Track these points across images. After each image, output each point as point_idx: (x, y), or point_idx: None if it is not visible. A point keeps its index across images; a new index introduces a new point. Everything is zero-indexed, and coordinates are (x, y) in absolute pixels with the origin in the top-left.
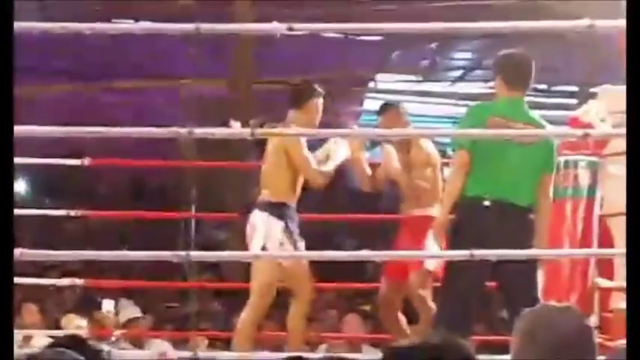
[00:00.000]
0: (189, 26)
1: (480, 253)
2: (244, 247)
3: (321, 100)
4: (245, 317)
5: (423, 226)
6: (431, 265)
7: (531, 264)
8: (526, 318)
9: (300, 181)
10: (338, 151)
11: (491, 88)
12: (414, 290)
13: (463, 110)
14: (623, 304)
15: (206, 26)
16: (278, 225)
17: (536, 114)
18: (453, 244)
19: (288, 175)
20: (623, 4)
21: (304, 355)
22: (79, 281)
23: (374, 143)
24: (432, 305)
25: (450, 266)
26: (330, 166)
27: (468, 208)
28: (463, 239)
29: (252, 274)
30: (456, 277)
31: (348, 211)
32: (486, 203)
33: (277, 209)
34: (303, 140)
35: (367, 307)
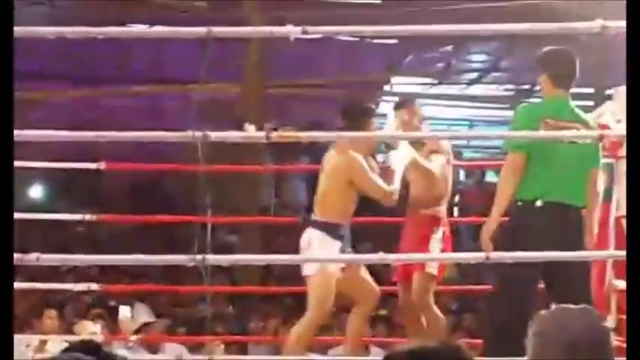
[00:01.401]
0: (201, 30)
1: (497, 255)
2: (256, 250)
3: (375, 119)
4: (300, 329)
5: (427, 227)
6: (433, 268)
7: (583, 265)
8: (541, 319)
9: (356, 200)
10: (397, 162)
11: (506, 90)
12: (415, 293)
13: (479, 113)
14: None
15: (218, 30)
16: (335, 245)
17: (580, 111)
18: (509, 249)
19: (348, 198)
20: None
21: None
22: (95, 286)
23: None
24: (437, 311)
25: (502, 274)
26: (396, 182)
27: (524, 211)
28: (521, 243)
29: (309, 288)
30: (508, 285)
31: (361, 214)
32: (539, 204)
33: (334, 230)
34: (364, 162)
35: (384, 312)
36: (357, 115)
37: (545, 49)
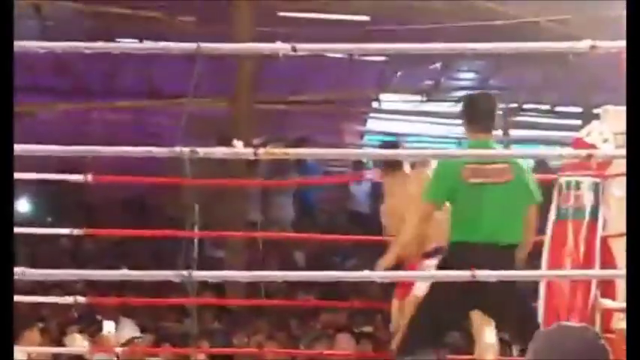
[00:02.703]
0: (190, 45)
1: (483, 274)
2: (242, 265)
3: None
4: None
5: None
6: (420, 291)
7: (526, 297)
8: (540, 337)
9: None
10: None
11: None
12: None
13: None
14: (624, 325)
15: (207, 46)
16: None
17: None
18: (441, 289)
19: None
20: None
21: None
22: (81, 299)
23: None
24: None
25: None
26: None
27: (455, 252)
28: (453, 282)
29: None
30: (429, 308)
31: (348, 232)
32: (469, 245)
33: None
34: None
35: (369, 328)
36: None
37: (464, 96)
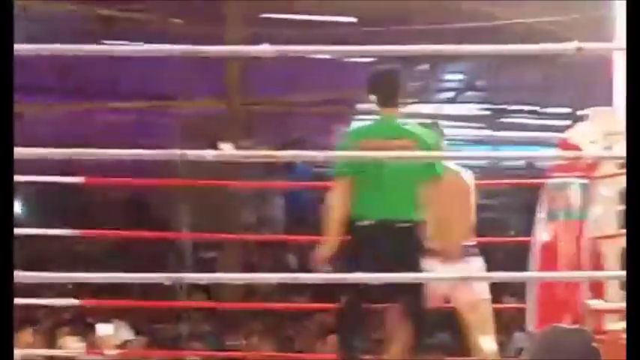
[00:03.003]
0: (178, 48)
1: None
2: (234, 268)
3: None
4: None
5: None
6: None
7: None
8: (536, 339)
9: None
10: None
11: (482, 110)
12: None
13: (455, 132)
14: (615, 326)
15: (195, 48)
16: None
17: (413, 125)
18: (348, 267)
19: None
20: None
21: None
22: (74, 301)
23: None
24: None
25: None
26: None
27: (357, 231)
28: (357, 261)
29: (485, 311)
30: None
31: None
32: (368, 224)
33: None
34: None
35: None
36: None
37: (373, 70)
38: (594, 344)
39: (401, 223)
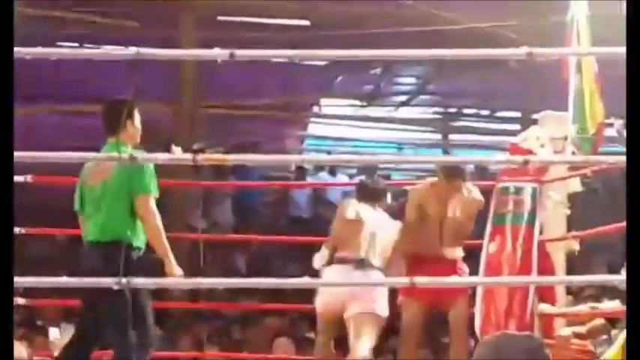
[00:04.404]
0: (129, 51)
1: (423, 280)
2: (182, 269)
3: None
4: None
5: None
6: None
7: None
8: (485, 345)
9: None
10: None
11: (435, 113)
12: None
13: (407, 135)
14: (565, 331)
15: (146, 51)
16: None
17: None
18: None
19: None
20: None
21: None
22: (21, 301)
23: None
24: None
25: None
26: None
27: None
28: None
29: None
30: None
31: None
32: (89, 245)
33: None
34: None
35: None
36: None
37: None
38: (544, 350)
39: (93, 243)
